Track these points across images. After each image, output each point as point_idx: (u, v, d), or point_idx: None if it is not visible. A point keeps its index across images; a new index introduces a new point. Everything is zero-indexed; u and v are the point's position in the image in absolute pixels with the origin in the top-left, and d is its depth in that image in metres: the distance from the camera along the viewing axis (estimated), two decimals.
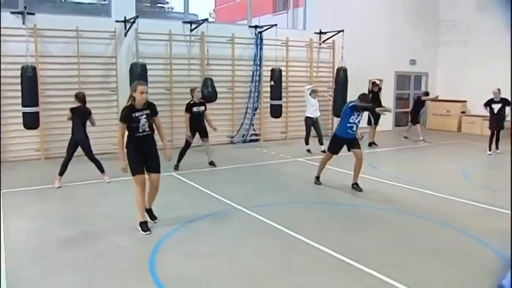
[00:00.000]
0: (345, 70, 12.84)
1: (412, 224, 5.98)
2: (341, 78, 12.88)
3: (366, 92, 11.98)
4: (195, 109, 8.84)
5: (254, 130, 13.01)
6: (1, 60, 9.09)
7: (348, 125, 7.41)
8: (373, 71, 13.75)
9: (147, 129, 5.46)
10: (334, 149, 7.70)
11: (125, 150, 5.52)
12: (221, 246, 5.11)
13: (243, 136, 12.75)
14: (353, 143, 7.56)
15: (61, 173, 7.77)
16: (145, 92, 5.43)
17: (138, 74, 10.02)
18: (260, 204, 6.68)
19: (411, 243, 5.20)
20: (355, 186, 7.58)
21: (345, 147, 7.64)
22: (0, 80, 9.21)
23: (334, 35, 13.61)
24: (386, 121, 14.08)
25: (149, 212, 5.93)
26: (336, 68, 13.54)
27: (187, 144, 8.97)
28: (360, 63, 13.43)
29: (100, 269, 4.50)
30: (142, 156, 5.54)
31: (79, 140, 7.74)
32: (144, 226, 5.53)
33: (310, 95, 10.81)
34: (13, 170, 9.22)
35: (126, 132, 5.53)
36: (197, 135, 9.09)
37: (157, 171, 5.70)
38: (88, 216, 6.25)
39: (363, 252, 4.83)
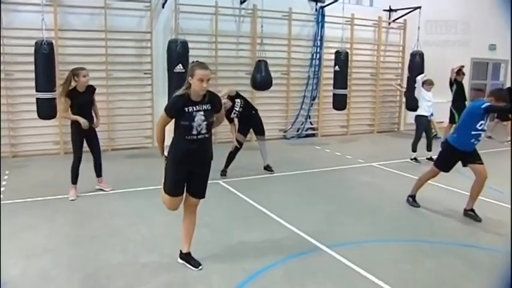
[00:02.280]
0: (421, 55, 10.41)
1: None
2: (416, 65, 10.44)
3: (449, 81, 9.75)
4: (236, 110, 6.86)
5: (311, 123, 10.97)
6: (10, 35, 7.22)
7: (474, 132, 5.09)
8: (446, 58, 11.36)
9: (203, 131, 3.63)
10: (446, 165, 5.41)
11: (165, 154, 3.79)
12: None
13: (298, 130, 10.73)
14: (472, 157, 5.28)
15: (74, 181, 5.83)
16: (207, 80, 3.55)
17: (178, 53, 7.99)
18: (345, 241, 4.53)
19: None
20: (471, 214, 5.32)
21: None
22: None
23: (408, 12, 11.18)
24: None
25: (187, 256, 3.93)
26: (407, 51, 11.22)
27: (238, 146, 6.93)
28: (432, 47, 10.92)
29: None
30: (188, 169, 3.73)
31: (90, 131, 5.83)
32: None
33: (422, 86, 8.26)
34: (25, 168, 7.37)
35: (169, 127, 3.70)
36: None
37: (201, 195, 3.88)
38: (114, 251, 4.21)
39: None
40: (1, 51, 7.70)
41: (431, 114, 8.29)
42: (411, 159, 8.26)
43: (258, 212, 5.39)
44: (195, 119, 3.57)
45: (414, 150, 8.28)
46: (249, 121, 6.97)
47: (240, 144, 6.90)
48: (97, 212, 5.37)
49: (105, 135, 8.27)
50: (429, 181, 5.72)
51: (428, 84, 8.16)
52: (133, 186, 6.29)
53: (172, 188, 3.78)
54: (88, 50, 8.39)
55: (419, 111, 8.21)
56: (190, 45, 8.38)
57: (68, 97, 5.62)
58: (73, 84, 5.66)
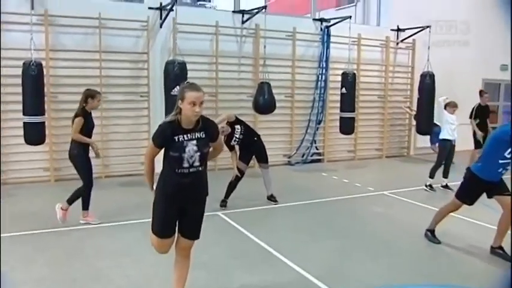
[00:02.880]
0: (432, 76, 9.94)
1: None
2: (427, 86, 9.97)
3: (473, 105, 9.27)
4: (236, 136, 6.36)
5: (317, 148, 10.46)
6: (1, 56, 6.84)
7: (502, 161, 4.55)
8: (455, 79, 10.93)
9: (196, 163, 3.15)
10: (470, 196, 4.85)
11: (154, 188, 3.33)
12: None
13: (303, 155, 10.22)
14: (499, 187, 4.75)
15: (86, 207, 5.56)
16: (200, 103, 3.07)
17: (175, 75, 7.57)
18: (358, 286, 3.97)
19: None
20: (499, 252, 4.75)
21: None
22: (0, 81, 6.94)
23: (417, 32, 10.77)
24: (467, 139, 9.75)
25: None
26: (416, 72, 10.77)
27: (240, 175, 6.41)
28: (441, 68, 10.43)
29: None
30: (178, 206, 3.25)
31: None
32: None
33: (445, 108, 7.68)
34: (11, 198, 6.84)
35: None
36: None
37: (194, 236, 3.37)
38: None
39: None
40: None
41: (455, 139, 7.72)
42: (426, 186, 7.70)
43: (260, 250, 4.83)
44: (186, 150, 3.08)
45: (432, 176, 7.69)
46: (251, 148, 6.49)
47: (242, 173, 6.39)
48: (81, 249, 4.82)
49: (99, 162, 7.71)
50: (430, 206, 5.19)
51: (451, 106, 7.66)
52: (124, 218, 5.76)
53: (161, 228, 3.27)
54: (81, 71, 7.96)
55: (443, 135, 7.66)
56: (189, 66, 8.01)
57: (83, 117, 5.32)
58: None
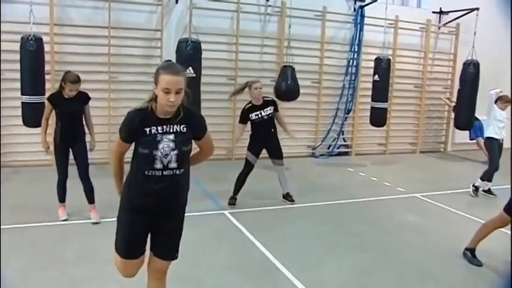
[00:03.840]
0: (476, 65, 8.89)
1: None
2: (470, 76, 8.93)
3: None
4: (253, 116, 5.63)
5: (344, 140, 9.74)
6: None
7: None
8: (506, 69, 9.81)
9: (172, 165, 2.47)
10: None
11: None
12: None
13: (329, 147, 9.52)
14: None
15: (62, 199, 5.02)
16: (176, 92, 2.37)
17: (188, 55, 6.93)
18: None
19: None
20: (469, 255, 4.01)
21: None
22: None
23: (463, 15, 9.72)
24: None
25: None
26: (459, 60, 9.81)
27: (249, 167, 5.75)
28: (488, 56, 9.33)
29: None
30: (148, 221, 2.57)
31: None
32: None
33: (496, 102, 6.76)
34: (7, 183, 6.33)
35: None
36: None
37: (171, 256, 2.70)
38: None
39: None
40: None
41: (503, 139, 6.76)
42: (473, 187, 6.76)
43: (267, 265, 4.12)
44: (160, 146, 2.41)
45: (484, 178, 6.70)
46: (265, 139, 5.76)
47: (251, 165, 5.72)
48: (60, 252, 4.22)
49: (106, 146, 7.21)
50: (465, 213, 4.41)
51: (503, 101, 6.66)
52: None
53: (125, 247, 2.61)
54: (89, 48, 7.38)
55: (489, 133, 6.73)
56: (207, 46, 7.44)
57: (49, 101, 4.77)
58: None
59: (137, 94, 7.58)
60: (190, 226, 4.94)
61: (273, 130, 5.78)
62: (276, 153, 5.81)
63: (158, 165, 2.42)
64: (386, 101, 8.77)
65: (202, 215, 5.26)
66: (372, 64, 8.75)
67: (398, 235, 5.05)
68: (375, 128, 9.11)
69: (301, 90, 7.95)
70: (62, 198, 5.00)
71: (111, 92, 7.55)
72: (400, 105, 10.03)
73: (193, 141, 2.57)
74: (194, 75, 6.87)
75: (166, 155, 2.41)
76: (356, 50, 9.31)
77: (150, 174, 2.44)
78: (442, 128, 10.80)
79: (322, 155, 9.35)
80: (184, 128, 2.47)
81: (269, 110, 5.62)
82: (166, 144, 2.40)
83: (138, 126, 2.42)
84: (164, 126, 2.42)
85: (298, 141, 8.82)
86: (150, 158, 2.40)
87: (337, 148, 9.56)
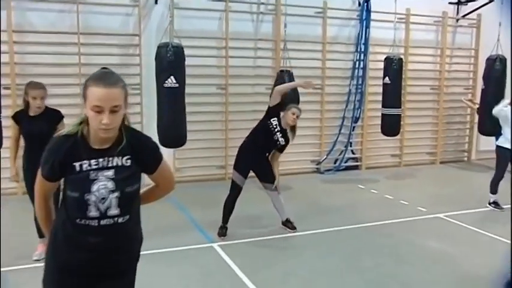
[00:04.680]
0: (503, 60, 8.50)
1: None
2: (495, 74, 8.52)
3: None
4: (277, 137, 5.41)
5: (353, 153, 9.41)
6: None
7: None
8: None
9: (112, 211, 2.01)
10: None
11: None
12: None
13: (335, 161, 9.20)
14: None
15: (41, 233, 4.50)
16: (111, 110, 1.93)
17: (169, 62, 6.48)
18: None
19: None
20: None
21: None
22: None
23: (484, 5, 9.35)
24: None
25: None
26: (482, 56, 9.47)
27: (236, 190, 5.35)
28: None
29: None
30: (84, 284, 2.10)
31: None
32: None
33: None
34: None
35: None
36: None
37: None
38: None
39: None
40: None
41: None
42: (490, 204, 6.54)
43: None
44: (94, 187, 1.94)
45: (493, 191, 6.54)
46: (256, 160, 5.41)
47: (238, 188, 5.32)
48: None
49: None
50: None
51: None
52: None
53: None
54: (56, 58, 6.98)
55: (501, 143, 6.48)
56: (192, 51, 7.15)
57: (13, 119, 4.45)
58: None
59: None
60: (172, 264, 4.56)
61: (267, 155, 5.51)
62: (266, 177, 5.43)
63: (93, 213, 1.95)
64: (400, 107, 8.42)
65: (187, 250, 4.87)
66: (382, 65, 8.41)
67: (420, 267, 4.57)
68: (387, 138, 8.79)
69: (302, 98, 7.54)
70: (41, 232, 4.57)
71: (83, 107, 7.13)
72: (415, 110, 9.67)
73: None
74: (177, 85, 6.48)
75: (103, 198, 1.94)
76: (362, 49, 8.97)
77: (82, 223, 1.97)
78: (464, 134, 10.38)
79: (328, 170, 8.99)
80: (129, 161, 2.00)
81: (282, 141, 5.42)
82: (103, 184, 1.94)
83: (64, 160, 1.95)
84: (100, 160, 1.96)
85: (301, 155, 8.66)
86: (81, 203, 1.94)
87: (345, 162, 9.22)
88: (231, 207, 5.34)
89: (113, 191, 1.94)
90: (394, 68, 8.21)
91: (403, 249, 5.06)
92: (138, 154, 2.02)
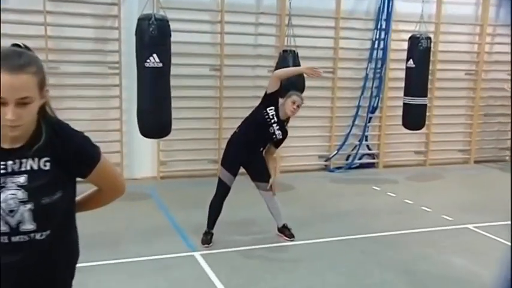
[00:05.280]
0: None
1: None
2: None
3: None
4: (273, 129, 5.39)
5: (368, 148, 9.51)
6: None
7: None
8: None
9: (26, 226, 1.86)
10: None
11: None
12: None
13: (348, 158, 9.36)
14: None
15: None
16: (18, 103, 1.74)
17: (152, 38, 6.50)
18: None
19: None
20: None
21: None
22: None
23: None
24: None
25: None
26: None
27: (224, 190, 5.36)
28: None
29: None
30: None
31: None
32: None
33: None
34: None
35: None
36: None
37: None
38: None
39: None
40: None
41: None
42: None
43: None
44: (1, 196, 1.83)
45: None
46: (247, 155, 5.41)
47: (226, 188, 5.33)
48: None
49: None
50: None
51: None
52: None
53: None
54: (19, 29, 7.02)
55: None
56: (180, 25, 7.46)
57: None
58: None
59: (87, 91, 7.67)
60: (139, 276, 4.54)
61: (261, 149, 5.52)
62: (260, 175, 5.43)
63: (2, 227, 1.86)
64: (426, 95, 8.43)
65: (161, 259, 4.87)
66: (406, 45, 8.43)
67: None
68: (410, 131, 8.82)
69: (309, 83, 7.66)
70: None
71: (54, 88, 7.22)
72: (445, 99, 9.69)
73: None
74: (160, 65, 6.53)
75: (11, 211, 1.84)
76: (383, 26, 9.04)
77: None
78: (505, 129, 10.24)
79: (338, 168, 9.14)
80: (48, 164, 1.87)
81: (279, 134, 5.42)
82: (11, 193, 1.83)
83: None
84: (9, 163, 1.84)
85: (307, 150, 8.84)
86: None
87: (359, 158, 9.38)
88: (217, 209, 5.34)
89: (24, 202, 1.83)
90: (420, 48, 8.19)
91: (420, 266, 5.00)
92: (62, 154, 1.90)
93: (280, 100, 5.35)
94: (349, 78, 9.14)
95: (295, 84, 7.43)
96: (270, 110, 5.26)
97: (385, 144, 9.49)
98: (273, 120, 5.27)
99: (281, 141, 5.45)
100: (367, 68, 9.10)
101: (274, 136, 5.32)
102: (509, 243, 5.08)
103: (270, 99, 5.28)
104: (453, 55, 9.64)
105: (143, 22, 6.60)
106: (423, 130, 9.05)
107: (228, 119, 7.86)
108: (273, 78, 5.34)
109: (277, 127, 5.29)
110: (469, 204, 7.09)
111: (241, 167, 5.41)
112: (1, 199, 1.80)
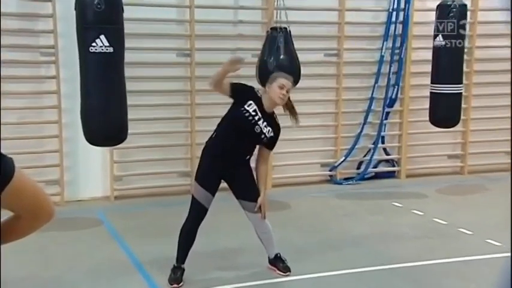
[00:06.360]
0: None
1: None
2: None
3: None
4: (260, 128, 5.49)
5: (386, 152, 9.65)
6: None
7: None
8: None
9: None
10: None
11: None
12: None
13: (359, 166, 9.57)
14: None
15: None
16: None
17: (97, 14, 6.53)
18: None
19: None
20: None
21: None
22: None
23: None
24: None
25: None
26: None
27: (198, 213, 5.44)
28: None
29: None
30: None
31: None
32: None
33: None
34: None
35: None
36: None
37: None
38: None
39: None
40: None
41: None
42: None
43: None
44: None
45: None
46: (225, 163, 5.47)
47: (202, 210, 5.42)
48: None
49: None
50: None
51: None
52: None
53: None
54: None
55: None
56: None
57: None
58: None
59: (12, 85, 7.73)
60: None
61: (248, 157, 5.57)
62: (246, 193, 5.51)
63: None
64: (461, 82, 8.50)
65: None
66: (432, 17, 8.47)
67: None
68: (441, 130, 8.95)
69: (306, 70, 7.85)
70: None
71: None
72: (488, 86, 9.90)
73: None
74: (111, 50, 6.59)
75: None
76: None
77: None
78: None
79: (347, 179, 9.36)
80: None
81: (270, 132, 5.46)
82: None
83: None
84: None
85: (306, 156, 9.02)
86: None
87: (374, 166, 9.59)
88: (190, 238, 5.43)
89: None
90: (452, 20, 8.25)
91: None
92: None
93: (261, 89, 5.42)
94: (359, 62, 9.31)
95: (290, 71, 7.56)
96: (249, 106, 5.34)
97: (408, 147, 9.64)
98: (256, 117, 5.34)
99: (274, 139, 5.52)
100: (382, 49, 9.24)
101: (263, 136, 5.39)
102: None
103: (239, 101, 5.39)
104: (496, 27, 9.68)
105: None
106: (458, 127, 9.13)
107: (202, 119, 8.04)
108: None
109: (264, 124, 5.37)
110: None
111: (223, 181, 5.49)
112: None
